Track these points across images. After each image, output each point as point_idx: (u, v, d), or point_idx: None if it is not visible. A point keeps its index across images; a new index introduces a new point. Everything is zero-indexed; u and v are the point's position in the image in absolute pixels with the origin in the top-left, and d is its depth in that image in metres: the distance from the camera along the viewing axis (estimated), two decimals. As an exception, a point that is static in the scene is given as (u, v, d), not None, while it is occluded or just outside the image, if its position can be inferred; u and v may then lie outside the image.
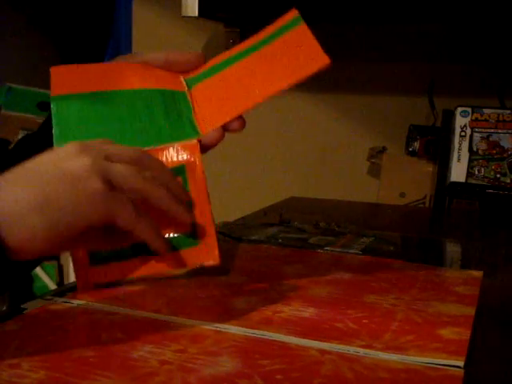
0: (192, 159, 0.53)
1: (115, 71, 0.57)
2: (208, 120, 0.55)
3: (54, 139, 0.53)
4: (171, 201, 0.48)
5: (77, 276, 0.50)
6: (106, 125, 0.50)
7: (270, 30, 0.59)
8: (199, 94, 0.57)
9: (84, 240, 0.46)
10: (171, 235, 0.51)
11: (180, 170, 0.52)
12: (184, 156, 0.53)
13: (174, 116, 0.55)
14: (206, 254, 0.50)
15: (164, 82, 0.57)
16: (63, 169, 0.43)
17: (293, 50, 0.56)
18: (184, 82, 0.58)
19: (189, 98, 0.57)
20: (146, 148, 0.52)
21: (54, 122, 0.54)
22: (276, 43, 0.57)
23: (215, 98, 0.57)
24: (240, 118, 0.56)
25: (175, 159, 0.53)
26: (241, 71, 0.58)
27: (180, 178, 0.52)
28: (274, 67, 0.56)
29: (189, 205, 0.51)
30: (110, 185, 0.44)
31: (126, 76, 0.57)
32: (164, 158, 0.53)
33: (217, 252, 0.50)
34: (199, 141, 0.54)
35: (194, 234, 0.50)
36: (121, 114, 0.54)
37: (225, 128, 0.55)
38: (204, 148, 0.55)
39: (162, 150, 0.53)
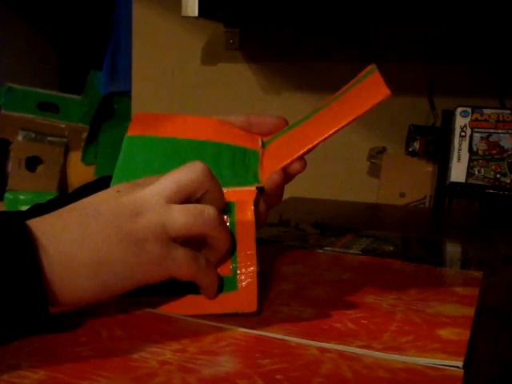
0: (245, 199, 0.52)
1: (192, 123, 0.59)
2: (269, 168, 0.56)
3: (115, 171, 0.54)
4: (228, 244, 0.47)
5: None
6: (169, 167, 0.49)
7: (348, 84, 0.60)
8: (269, 150, 0.58)
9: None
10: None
11: (229, 206, 0.51)
12: (238, 197, 0.52)
13: (239, 169, 0.56)
14: (245, 300, 0.48)
15: (239, 139, 0.58)
16: (122, 228, 0.42)
17: (360, 92, 0.57)
18: (260, 142, 0.59)
19: (260, 155, 0.58)
20: None
21: (120, 156, 0.55)
22: (349, 92, 0.59)
23: (280, 148, 0.58)
24: (301, 159, 0.56)
25: (229, 199, 0.51)
26: (310, 122, 0.59)
27: (227, 217, 0.50)
28: (340, 109, 0.57)
29: (234, 247, 0.49)
30: (170, 240, 0.43)
31: (201, 128, 0.58)
32: None
33: (255, 300, 0.48)
34: (259, 188, 0.54)
35: (234, 278, 0.49)
36: (186, 159, 0.54)
37: (286, 172, 0.56)
38: (267, 195, 0.55)
39: None
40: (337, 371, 0.38)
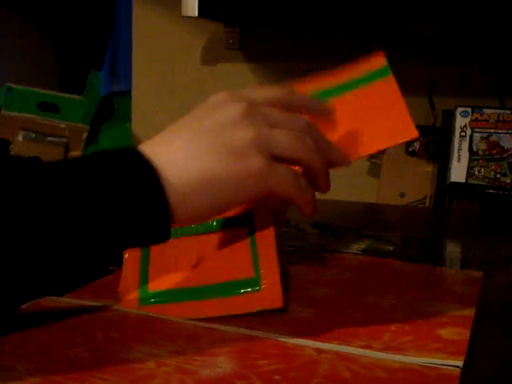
0: (261, 204, 0.53)
1: None
2: None
3: None
4: (326, 174, 0.51)
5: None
6: None
7: (355, 70, 0.58)
8: None
9: None
10: (234, 280, 0.49)
11: (248, 216, 0.53)
12: (252, 204, 0.53)
13: None
14: (269, 297, 0.48)
15: None
16: (227, 142, 0.44)
17: (382, 113, 0.56)
18: None
19: None
20: None
21: None
22: (364, 93, 0.57)
23: None
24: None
25: (244, 208, 0.54)
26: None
27: (246, 226, 0.53)
28: (360, 129, 0.55)
29: (254, 252, 0.51)
30: (272, 157, 0.45)
31: None
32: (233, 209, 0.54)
33: (280, 296, 0.48)
34: None
35: (257, 278, 0.49)
36: None
37: None
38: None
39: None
40: (335, 371, 0.38)
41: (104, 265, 0.44)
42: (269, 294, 0.48)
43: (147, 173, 0.42)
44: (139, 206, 0.41)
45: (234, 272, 0.50)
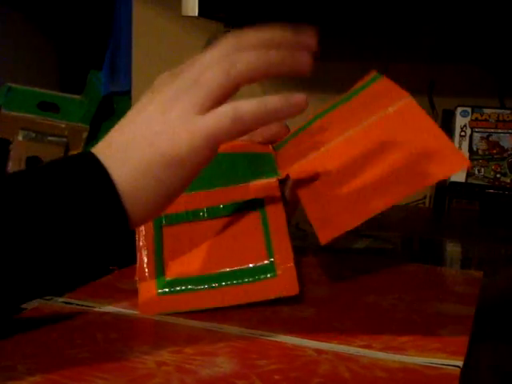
0: (271, 194, 0.53)
1: None
2: (286, 164, 0.56)
3: None
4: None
5: (140, 303, 0.48)
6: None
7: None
8: (283, 152, 0.59)
9: None
10: (249, 266, 0.50)
11: (259, 202, 0.53)
12: (263, 191, 0.54)
13: (256, 167, 0.57)
14: (286, 284, 0.48)
15: (249, 148, 0.60)
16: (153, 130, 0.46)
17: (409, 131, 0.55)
18: (271, 147, 0.60)
19: (274, 156, 0.58)
20: (224, 187, 0.55)
21: None
22: (363, 98, 0.57)
23: (295, 147, 0.58)
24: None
25: (254, 194, 0.54)
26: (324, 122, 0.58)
27: (258, 212, 0.53)
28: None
29: (268, 238, 0.51)
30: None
31: None
32: (242, 194, 0.54)
33: (296, 283, 0.48)
34: (279, 180, 0.54)
35: (272, 265, 0.49)
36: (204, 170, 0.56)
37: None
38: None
39: (241, 187, 0.55)
40: (335, 371, 0.38)
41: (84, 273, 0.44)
42: (285, 280, 0.48)
43: (101, 181, 0.42)
44: (96, 214, 0.42)
45: (249, 258, 0.50)
